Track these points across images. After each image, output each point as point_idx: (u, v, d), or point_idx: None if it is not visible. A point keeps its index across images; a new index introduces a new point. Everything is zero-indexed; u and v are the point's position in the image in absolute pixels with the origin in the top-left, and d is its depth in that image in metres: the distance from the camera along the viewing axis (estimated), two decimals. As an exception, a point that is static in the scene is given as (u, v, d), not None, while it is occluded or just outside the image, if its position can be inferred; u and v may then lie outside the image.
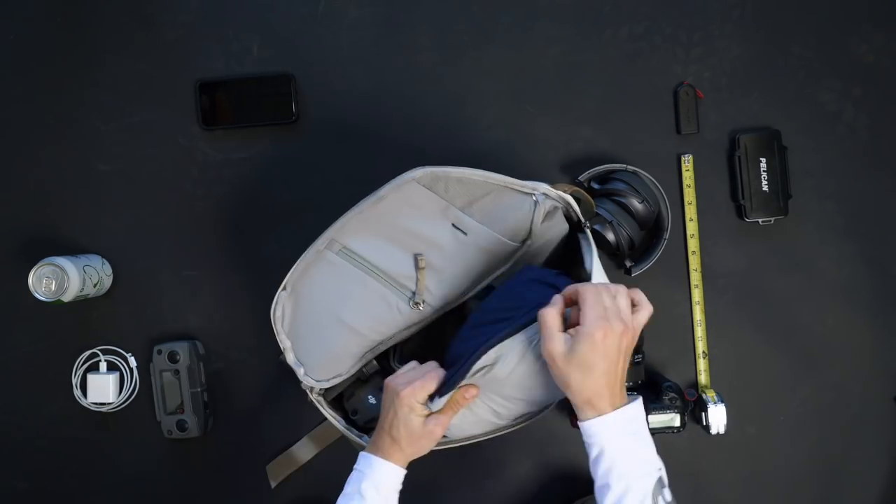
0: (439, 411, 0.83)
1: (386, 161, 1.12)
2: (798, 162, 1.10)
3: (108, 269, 1.13)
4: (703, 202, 1.11)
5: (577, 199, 0.90)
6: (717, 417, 1.05)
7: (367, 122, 1.13)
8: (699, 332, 1.11)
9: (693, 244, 1.10)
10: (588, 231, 0.92)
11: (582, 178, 1.08)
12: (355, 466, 0.86)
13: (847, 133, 1.11)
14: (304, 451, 1.12)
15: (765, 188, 1.09)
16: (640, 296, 0.80)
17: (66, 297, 1.05)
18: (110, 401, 1.13)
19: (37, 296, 1.05)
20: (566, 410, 1.08)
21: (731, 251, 1.11)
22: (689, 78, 1.11)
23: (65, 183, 1.15)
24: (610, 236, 1.04)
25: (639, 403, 0.76)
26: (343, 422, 0.94)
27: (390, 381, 0.85)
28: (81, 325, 1.14)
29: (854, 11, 1.10)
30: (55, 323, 1.14)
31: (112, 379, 1.13)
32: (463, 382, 0.81)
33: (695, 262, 1.11)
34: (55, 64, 1.15)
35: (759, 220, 1.09)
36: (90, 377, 1.13)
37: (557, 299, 0.78)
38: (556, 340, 0.74)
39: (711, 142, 1.11)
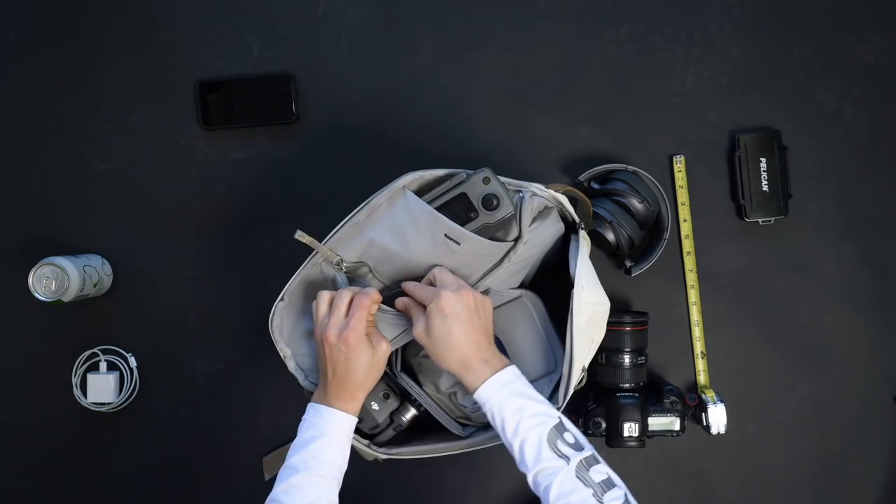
0: (371, 332, 0.86)
1: (386, 161, 1.12)
2: (798, 162, 1.10)
3: (108, 269, 1.13)
4: (702, 202, 1.11)
5: (574, 201, 0.89)
6: (717, 417, 1.05)
7: (367, 121, 1.13)
8: (697, 332, 1.11)
9: (687, 244, 1.10)
10: (582, 233, 0.92)
11: (582, 178, 1.08)
12: (305, 418, 0.87)
13: (847, 133, 1.11)
14: None
15: (765, 188, 1.09)
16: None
17: (66, 297, 1.05)
18: (110, 401, 1.13)
19: (37, 296, 1.05)
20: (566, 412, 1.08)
21: (731, 251, 1.11)
22: (690, 78, 1.11)
23: (65, 183, 1.15)
24: (610, 236, 1.04)
25: (511, 368, 0.82)
26: None
27: (325, 334, 0.84)
28: (81, 325, 1.14)
29: (854, 11, 1.10)
30: (55, 323, 1.14)
31: (112, 379, 1.13)
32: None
33: (690, 262, 1.11)
34: (55, 64, 1.15)
35: (759, 220, 1.09)
36: (90, 377, 1.13)
37: (407, 286, 0.86)
38: (419, 323, 0.83)
39: (711, 142, 1.11)
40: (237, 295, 1.14)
